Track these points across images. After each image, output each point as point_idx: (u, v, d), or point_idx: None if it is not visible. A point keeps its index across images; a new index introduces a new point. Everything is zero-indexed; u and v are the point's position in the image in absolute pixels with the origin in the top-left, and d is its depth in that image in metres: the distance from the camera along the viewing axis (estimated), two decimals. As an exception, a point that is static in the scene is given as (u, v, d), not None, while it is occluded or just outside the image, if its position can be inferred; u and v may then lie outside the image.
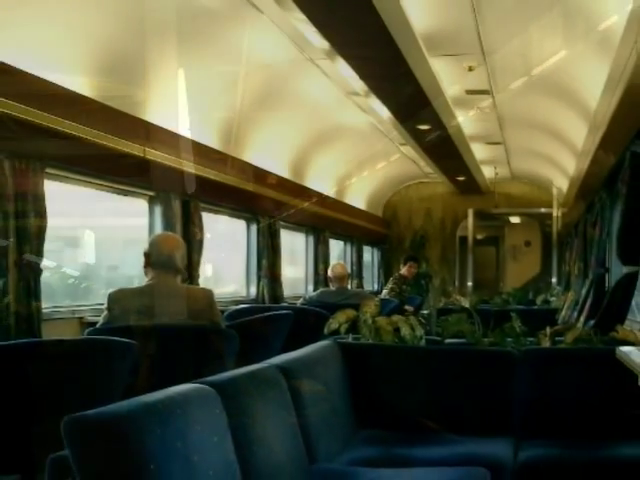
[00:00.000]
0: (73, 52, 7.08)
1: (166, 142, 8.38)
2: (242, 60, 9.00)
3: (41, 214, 6.63)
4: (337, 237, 16.30)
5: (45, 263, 6.74)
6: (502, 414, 5.31)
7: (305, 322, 8.42)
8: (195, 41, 8.15)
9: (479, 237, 19.93)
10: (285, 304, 10.77)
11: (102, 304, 7.57)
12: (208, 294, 6.14)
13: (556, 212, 17.65)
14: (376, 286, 19.25)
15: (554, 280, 17.08)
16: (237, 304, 10.11)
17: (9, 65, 6.08)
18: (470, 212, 18.67)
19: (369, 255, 19.33)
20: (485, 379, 5.41)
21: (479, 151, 14.83)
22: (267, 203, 11.54)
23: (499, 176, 17.90)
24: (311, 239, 14.72)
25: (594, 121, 7.98)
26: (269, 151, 11.72)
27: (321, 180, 14.51)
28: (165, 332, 5.71)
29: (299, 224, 13.90)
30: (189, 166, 8.82)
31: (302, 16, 6.56)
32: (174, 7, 7.38)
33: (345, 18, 6.67)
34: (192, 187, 9.09)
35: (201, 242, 9.47)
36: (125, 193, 8.58)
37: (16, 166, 6.39)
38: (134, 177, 8.27)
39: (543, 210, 18.54)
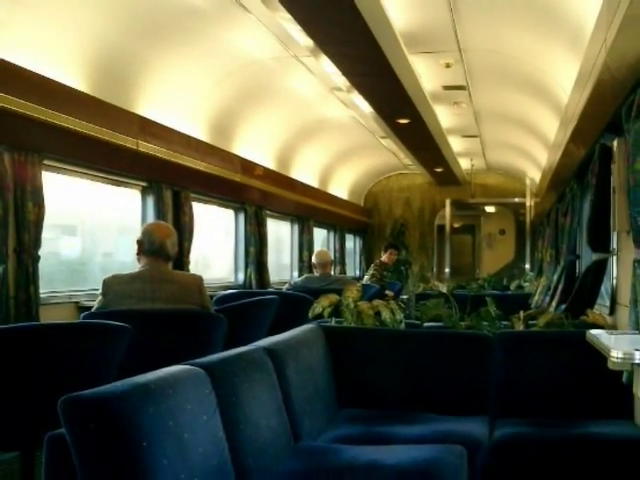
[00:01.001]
0: (69, 51, 7.07)
1: (158, 135, 8.38)
2: (230, 57, 9.00)
3: (39, 204, 6.64)
4: (321, 226, 16.29)
5: (43, 250, 6.75)
6: (478, 394, 5.34)
7: (290, 306, 8.44)
8: (186, 39, 8.15)
9: (456, 226, 19.95)
10: (271, 289, 10.75)
11: (97, 289, 7.63)
12: (198, 280, 6.15)
13: (529, 202, 17.71)
14: (358, 272, 19.25)
15: (527, 266, 17.11)
16: (225, 289, 10.12)
17: (8, 62, 6.08)
18: (447, 202, 18.71)
19: (351, 243, 19.38)
20: (462, 361, 5.43)
21: (456, 144, 14.88)
22: (254, 193, 11.57)
23: (475, 167, 17.98)
24: (296, 227, 14.73)
25: (565, 115, 8.00)
26: (256, 144, 11.72)
27: (305, 171, 14.54)
28: (157, 316, 5.73)
29: (284, 213, 13.92)
30: (180, 158, 8.83)
31: (287, 15, 6.55)
32: (167, 7, 7.38)
33: (328, 17, 6.66)
34: (183, 178, 9.12)
35: (191, 230, 9.49)
36: (119, 184, 8.57)
37: (15, 158, 6.39)
38: (128, 169, 8.28)
39: (517, 200, 18.58)
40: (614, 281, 6.27)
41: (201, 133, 9.77)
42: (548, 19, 7.49)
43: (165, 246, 5.98)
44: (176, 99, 9.03)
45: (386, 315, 5.62)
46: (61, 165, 7.36)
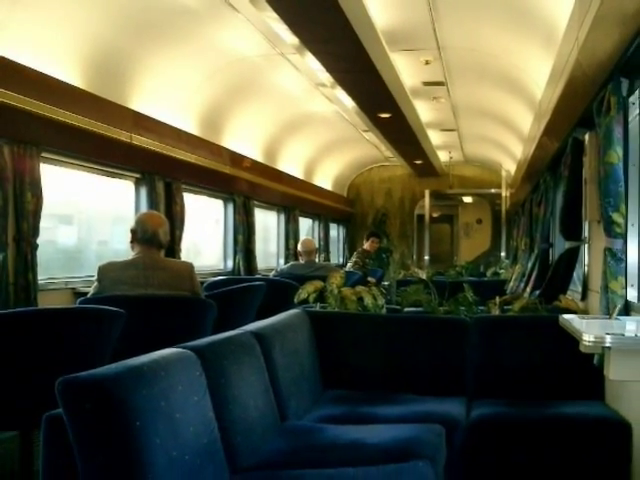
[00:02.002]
0: (66, 48, 7.05)
1: (151, 129, 8.36)
2: (220, 54, 8.98)
3: (37, 194, 6.62)
4: (306, 215, 16.26)
5: (41, 239, 6.74)
6: (456, 376, 5.35)
7: (277, 292, 8.44)
8: (177, 37, 8.14)
9: (435, 215, 19.98)
10: (258, 276, 10.73)
11: (93, 276, 7.62)
12: (189, 267, 6.16)
13: (505, 192, 17.75)
14: (341, 259, 19.25)
15: (503, 254, 17.13)
16: (215, 276, 10.11)
17: (9, 59, 6.06)
18: (427, 193, 18.74)
19: (335, 231, 19.37)
20: (440, 344, 5.44)
21: (435, 137, 14.89)
22: (242, 184, 11.54)
23: (453, 160, 18.00)
24: (282, 217, 14.70)
25: (539, 110, 8.01)
26: (244, 137, 11.70)
27: (292, 163, 14.53)
28: (150, 301, 5.73)
29: (271, 203, 13.90)
30: (172, 151, 8.82)
31: (274, 15, 6.54)
32: (159, 7, 7.36)
33: (313, 16, 6.65)
34: (174, 170, 9.11)
35: (182, 220, 9.46)
36: (113, 175, 8.55)
37: (15, 150, 6.37)
38: (122, 161, 8.26)
39: (493, 191, 18.62)
40: (585, 268, 6.29)
41: (191, 127, 9.74)
42: (523, 18, 7.50)
43: (157, 235, 6.00)
44: (168, 94, 9.01)
45: (368, 300, 5.63)
46: (58, 157, 7.32)
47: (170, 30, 7.95)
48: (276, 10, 6.40)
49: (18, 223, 6.49)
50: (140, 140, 8.09)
